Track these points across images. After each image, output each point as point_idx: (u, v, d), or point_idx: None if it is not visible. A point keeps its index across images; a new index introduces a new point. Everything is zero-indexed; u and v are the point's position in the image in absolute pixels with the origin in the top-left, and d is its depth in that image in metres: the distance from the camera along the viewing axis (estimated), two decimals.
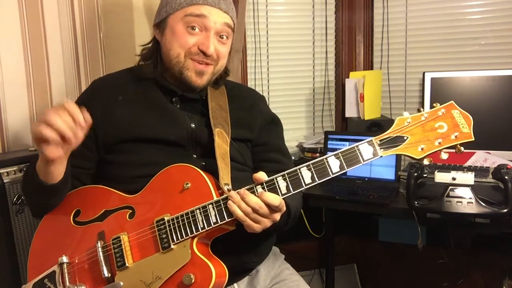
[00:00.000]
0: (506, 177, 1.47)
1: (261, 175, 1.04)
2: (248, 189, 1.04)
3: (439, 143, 0.97)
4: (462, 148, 0.98)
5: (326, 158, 1.02)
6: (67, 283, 1.10)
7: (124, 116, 1.23)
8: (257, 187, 1.04)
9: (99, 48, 2.12)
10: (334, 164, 1.01)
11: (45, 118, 0.97)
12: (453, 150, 1.00)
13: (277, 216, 1.05)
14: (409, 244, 2.10)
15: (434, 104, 1.02)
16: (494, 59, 2.20)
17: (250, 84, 2.40)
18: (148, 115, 1.24)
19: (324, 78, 2.52)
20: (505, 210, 1.46)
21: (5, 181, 1.45)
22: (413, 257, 2.32)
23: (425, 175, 1.61)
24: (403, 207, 1.64)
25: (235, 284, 1.23)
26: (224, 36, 1.24)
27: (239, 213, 1.02)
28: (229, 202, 1.03)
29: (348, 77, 2.30)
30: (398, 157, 1.92)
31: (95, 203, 1.16)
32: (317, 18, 2.47)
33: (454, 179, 1.51)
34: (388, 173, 1.93)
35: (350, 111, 2.28)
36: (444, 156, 0.98)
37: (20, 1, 1.73)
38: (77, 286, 1.09)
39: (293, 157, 2.20)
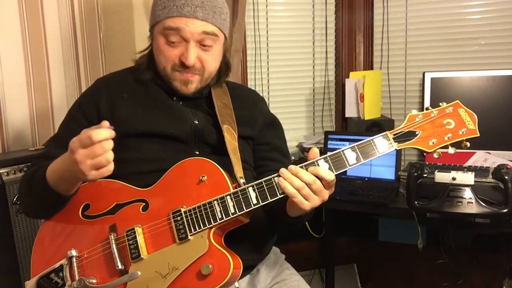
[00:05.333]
0: (506, 177, 1.47)
1: (315, 152, 1.04)
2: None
3: (449, 137, 1.04)
4: (468, 144, 1.04)
5: (342, 151, 1.05)
6: (77, 277, 1.10)
7: (127, 112, 1.24)
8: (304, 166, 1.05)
9: (99, 48, 2.12)
10: (350, 157, 1.04)
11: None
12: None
13: (327, 195, 1.05)
14: (409, 244, 2.11)
15: (440, 104, 1.08)
16: (494, 59, 2.20)
17: (250, 84, 2.40)
18: (151, 110, 1.25)
19: (324, 78, 2.52)
20: (505, 210, 1.46)
21: (5, 181, 1.45)
22: (413, 257, 2.32)
23: (425, 175, 1.61)
24: (403, 207, 1.64)
25: (236, 283, 1.23)
26: (207, 44, 1.22)
27: (290, 189, 1.01)
28: (280, 179, 1.03)
29: (348, 77, 2.30)
30: (398, 157, 1.92)
31: (106, 197, 1.15)
32: (317, 18, 2.47)
33: (454, 179, 1.51)
34: (388, 173, 1.93)
35: (350, 111, 2.28)
36: (451, 150, 1.04)
37: (20, 1, 1.73)
38: (88, 279, 1.09)
39: (293, 157, 2.20)
